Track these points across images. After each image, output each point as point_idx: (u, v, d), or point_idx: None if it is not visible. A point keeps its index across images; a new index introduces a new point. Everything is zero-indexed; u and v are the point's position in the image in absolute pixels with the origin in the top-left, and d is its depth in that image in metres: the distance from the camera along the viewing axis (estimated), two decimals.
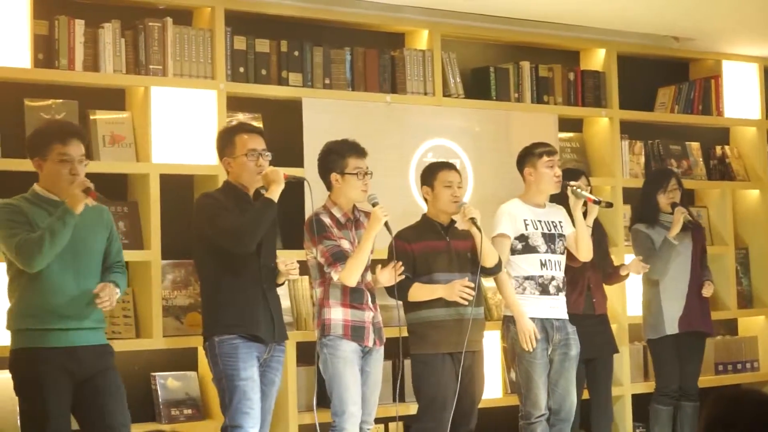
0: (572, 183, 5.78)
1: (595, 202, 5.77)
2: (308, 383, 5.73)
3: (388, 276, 5.21)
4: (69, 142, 4.46)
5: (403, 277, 5.27)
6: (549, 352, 5.66)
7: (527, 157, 5.82)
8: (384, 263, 5.31)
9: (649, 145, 7.43)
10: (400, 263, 5.24)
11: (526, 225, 5.68)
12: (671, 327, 6.35)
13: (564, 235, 5.77)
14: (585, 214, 6.01)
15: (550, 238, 5.71)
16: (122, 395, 4.55)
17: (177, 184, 5.62)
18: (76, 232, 4.40)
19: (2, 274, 4.65)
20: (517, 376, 5.67)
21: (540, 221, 5.73)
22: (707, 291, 6.47)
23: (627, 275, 6.33)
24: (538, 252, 5.66)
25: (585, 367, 6.04)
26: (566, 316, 5.75)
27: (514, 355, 5.72)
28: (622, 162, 7.17)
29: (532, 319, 5.61)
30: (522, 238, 5.64)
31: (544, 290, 5.67)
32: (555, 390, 5.70)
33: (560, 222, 5.79)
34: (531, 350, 5.57)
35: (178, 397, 5.55)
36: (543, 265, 5.67)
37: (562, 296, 5.74)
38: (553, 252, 5.71)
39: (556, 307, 5.70)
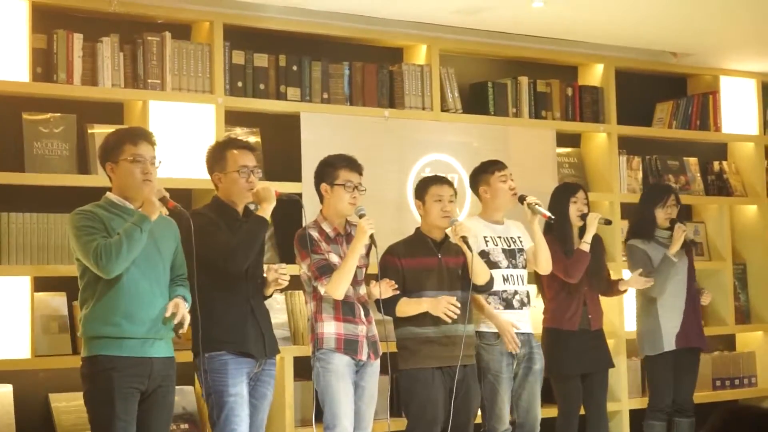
0: (529, 198, 5.76)
1: (550, 219, 5.76)
2: (305, 398, 5.72)
3: (384, 288, 5.22)
4: (140, 143, 4.49)
5: (398, 292, 5.28)
6: (514, 366, 5.66)
7: (480, 175, 5.80)
8: (376, 279, 5.28)
9: (646, 161, 7.44)
10: (393, 282, 5.25)
11: (486, 242, 5.67)
12: (669, 343, 6.34)
13: (524, 250, 5.78)
14: (583, 229, 6.04)
15: (510, 254, 5.71)
16: (170, 415, 4.60)
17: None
18: (150, 240, 4.43)
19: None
20: (482, 390, 5.63)
21: (500, 237, 5.73)
22: (706, 299, 6.49)
23: (626, 290, 6.33)
24: (499, 267, 5.65)
25: (581, 383, 6.04)
26: (531, 330, 5.75)
27: (480, 368, 5.66)
28: (620, 177, 7.18)
29: (496, 333, 5.60)
30: (483, 254, 5.62)
31: (508, 305, 5.66)
32: (518, 403, 5.69)
33: (519, 237, 5.80)
34: (516, 351, 5.56)
35: (175, 411, 5.50)
36: (505, 280, 5.67)
37: (526, 310, 5.72)
38: (515, 267, 5.71)
39: (521, 321, 5.68)
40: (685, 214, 7.69)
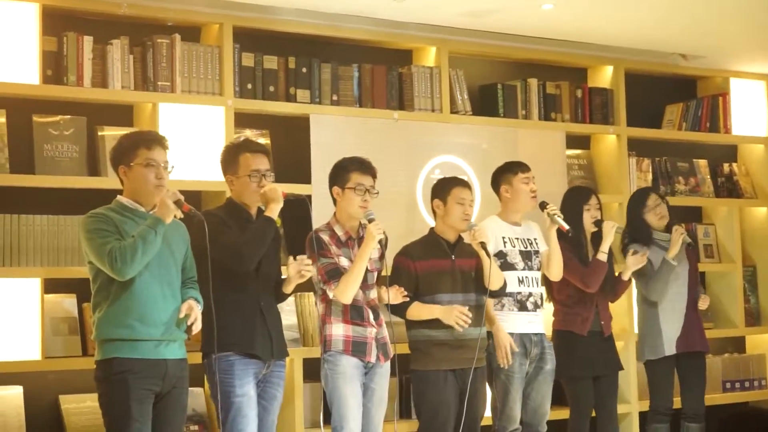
0: (550, 207, 5.75)
1: (568, 232, 5.74)
2: (315, 399, 5.73)
3: (393, 294, 5.22)
4: (154, 147, 4.51)
5: (408, 299, 5.29)
6: (527, 366, 5.66)
7: (503, 174, 5.82)
8: (387, 281, 5.29)
9: (656, 163, 7.43)
10: (403, 289, 5.25)
11: (504, 242, 5.68)
12: (670, 348, 6.31)
13: (539, 252, 5.78)
14: (597, 235, 6.02)
15: (526, 255, 5.72)
16: (184, 416, 4.61)
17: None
18: (163, 243, 4.44)
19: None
20: (493, 390, 5.64)
21: (517, 239, 5.74)
22: (703, 303, 6.43)
23: (630, 279, 6.25)
24: (515, 269, 5.66)
25: (592, 385, 6.04)
26: (543, 331, 5.75)
27: (491, 368, 5.67)
28: (629, 179, 7.17)
29: (511, 334, 5.60)
30: (500, 255, 5.64)
31: (522, 306, 5.67)
32: (527, 402, 5.70)
33: (536, 239, 5.81)
34: (506, 366, 5.56)
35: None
36: (521, 282, 5.67)
37: (540, 312, 5.74)
38: (530, 269, 5.72)
39: (534, 322, 5.70)
40: (695, 216, 7.69)
